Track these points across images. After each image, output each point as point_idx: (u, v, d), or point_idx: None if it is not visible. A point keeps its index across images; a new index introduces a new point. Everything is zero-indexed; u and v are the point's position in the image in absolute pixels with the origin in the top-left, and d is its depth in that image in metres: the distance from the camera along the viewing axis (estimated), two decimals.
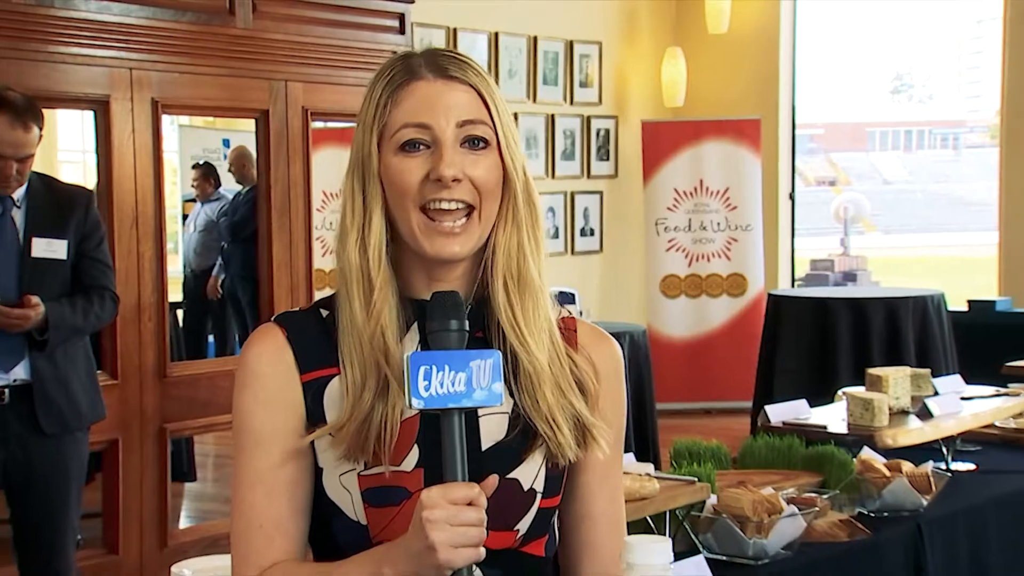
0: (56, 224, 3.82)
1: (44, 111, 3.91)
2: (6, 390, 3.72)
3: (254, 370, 1.52)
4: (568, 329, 1.59)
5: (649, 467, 2.94)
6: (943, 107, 40.20)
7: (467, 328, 1.39)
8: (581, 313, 7.41)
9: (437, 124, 1.47)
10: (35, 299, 3.64)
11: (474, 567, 1.34)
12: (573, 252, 8.81)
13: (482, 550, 1.34)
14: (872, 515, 3.20)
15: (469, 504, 1.33)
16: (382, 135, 1.49)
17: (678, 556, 2.83)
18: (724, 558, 2.82)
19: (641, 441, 6.30)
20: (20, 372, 3.73)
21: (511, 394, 1.51)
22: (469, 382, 1.35)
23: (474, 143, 1.48)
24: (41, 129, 3.75)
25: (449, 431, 1.36)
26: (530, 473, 1.50)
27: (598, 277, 8.98)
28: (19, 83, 4.20)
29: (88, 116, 5.34)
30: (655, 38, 9.32)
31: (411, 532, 1.35)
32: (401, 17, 6.13)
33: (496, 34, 8.16)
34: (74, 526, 3.91)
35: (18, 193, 3.78)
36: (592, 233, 8.99)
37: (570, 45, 8.69)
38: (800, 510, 2.89)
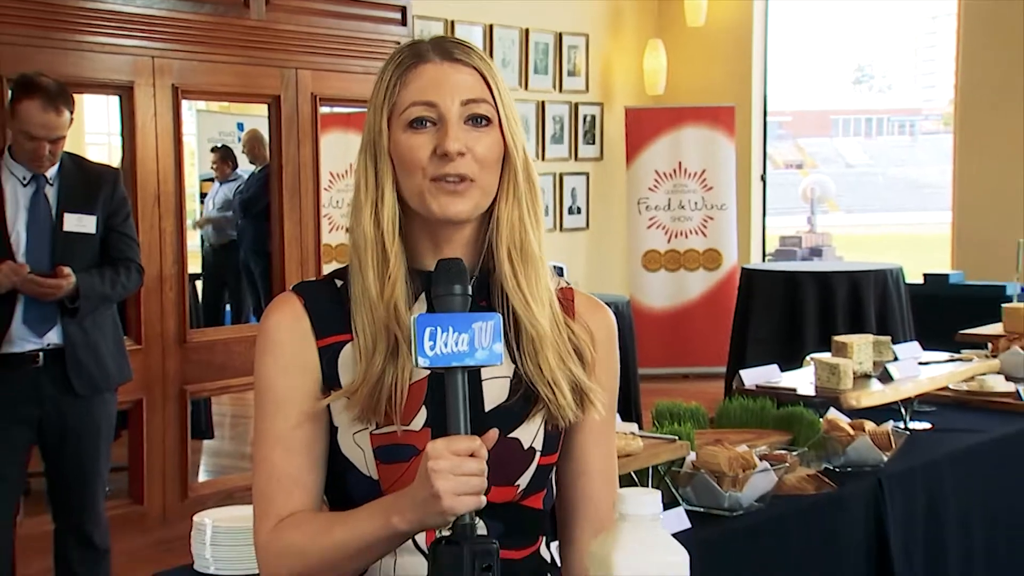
0: (86, 201, 3.81)
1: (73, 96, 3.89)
2: (40, 354, 3.71)
3: (273, 337, 1.50)
4: (566, 299, 1.58)
5: (633, 426, 2.94)
6: (901, 96, 40.13)
7: (470, 293, 1.38)
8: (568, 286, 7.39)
9: (443, 102, 1.45)
10: (67, 270, 3.63)
11: (475, 515, 1.33)
12: (561, 229, 8.80)
13: (483, 498, 1.33)
14: (837, 470, 3.20)
15: (471, 456, 1.32)
16: (392, 114, 1.47)
17: None
18: (702, 510, 2.82)
19: (625, 403, 6.30)
20: (53, 337, 3.72)
21: (513, 359, 1.50)
22: (471, 342, 1.34)
23: (477, 120, 1.47)
24: (72, 113, 3.73)
25: (453, 388, 1.35)
26: (530, 433, 1.49)
27: (584, 252, 8.97)
28: (50, 70, 4.18)
29: (113, 101, 5.33)
30: (638, 31, 9.29)
31: (417, 481, 1.34)
32: (403, 10, 6.12)
33: (491, 26, 8.12)
34: (103, 479, 3.91)
35: (51, 172, 3.77)
36: (579, 211, 8.98)
37: (559, 37, 8.66)
38: (772, 466, 2.88)
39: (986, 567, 3.64)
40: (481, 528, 1.34)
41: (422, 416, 1.47)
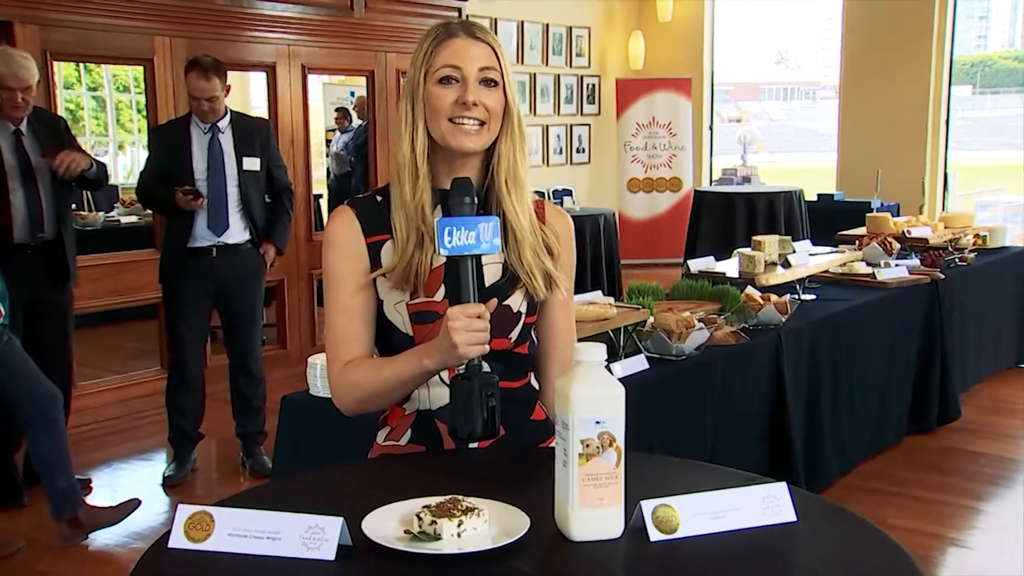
0: (252, 146, 3.72)
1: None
2: (214, 248, 3.69)
3: (334, 237, 1.44)
4: (539, 209, 1.50)
5: (611, 299, 2.90)
6: (806, 73, 38.93)
7: (476, 202, 1.32)
8: (575, 203, 7.35)
9: (465, 67, 1.38)
10: (272, 250, 3.75)
11: (481, 359, 1.29)
12: (572, 164, 8.66)
13: (487, 347, 1.29)
14: (751, 328, 3.16)
15: (478, 317, 1.28)
16: (427, 73, 1.39)
17: (627, 355, 2.79)
18: (657, 356, 2.79)
19: (611, 283, 6.27)
20: (225, 238, 3.70)
21: (504, 251, 1.43)
22: (478, 237, 1.28)
23: (488, 82, 1.39)
24: (222, 81, 3.59)
25: (464, 270, 1.30)
26: (517, 301, 1.44)
27: (587, 180, 8.83)
28: (222, 55, 4.11)
29: (263, 76, 5.25)
30: (624, 24, 9.02)
31: (441, 335, 1.30)
32: (459, 10, 6.02)
33: (522, 22, 7.92)
34: (260, 331, 3.91)
35: (223, 123, 3.68)
36: (583, 151, 8.82)
37: (570, 29, 8.41)
38: (706, 326, 2.85)
39: (848, 393, 3.63)
40: (487, 368, 1.30)
41: (442, 290, 1.41)
